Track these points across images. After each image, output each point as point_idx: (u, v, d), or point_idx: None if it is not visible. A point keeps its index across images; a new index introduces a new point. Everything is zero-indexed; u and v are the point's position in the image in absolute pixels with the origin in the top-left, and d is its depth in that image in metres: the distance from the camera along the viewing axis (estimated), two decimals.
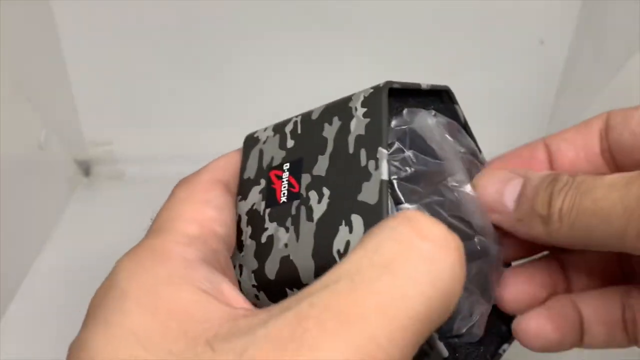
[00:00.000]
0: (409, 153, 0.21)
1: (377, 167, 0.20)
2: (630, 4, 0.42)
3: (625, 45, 0.43)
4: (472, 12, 0.47)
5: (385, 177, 0.20)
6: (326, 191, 0.21)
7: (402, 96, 0.23)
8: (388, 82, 0.22)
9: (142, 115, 0.51)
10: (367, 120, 0.21)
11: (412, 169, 0.21)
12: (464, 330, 0.22)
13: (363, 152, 0.21)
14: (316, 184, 0.22)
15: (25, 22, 0.42)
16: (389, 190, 0.20)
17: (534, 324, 0.23)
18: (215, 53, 0.49)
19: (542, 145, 0.25)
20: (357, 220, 0.20)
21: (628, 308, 0.23)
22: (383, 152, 0.20)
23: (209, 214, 0.21)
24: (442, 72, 0.49)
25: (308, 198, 0.22)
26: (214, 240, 0.21)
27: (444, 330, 0.21)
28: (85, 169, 0.52)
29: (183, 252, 0.19)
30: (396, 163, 0.21)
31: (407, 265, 0.14)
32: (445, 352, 0.20)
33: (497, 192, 0.22)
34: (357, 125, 0.21)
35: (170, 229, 0.20)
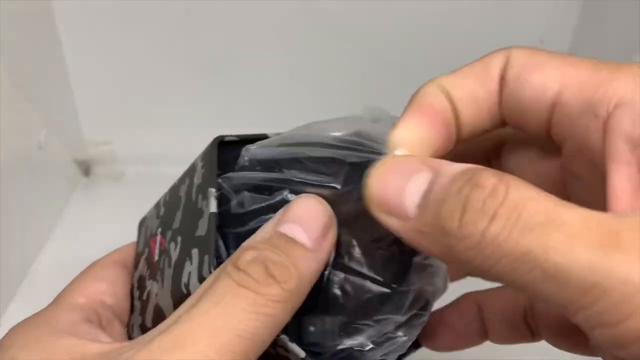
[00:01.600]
0: (239, 198, 0.23)
1: (207, 204, 0.23)
2: (630, 4, 0.42)
3: (625, 45, 0.43)
4: (472, 12, 0.47)
5: (213, 209, 0.22)
6: (179, 238, 0.25)
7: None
8: (218, 137, 0.25)
9: (142, 115, 0.51)
10: (203, 170, 0.24)
11: (247, 208, 0.23)
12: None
13: (200, 197, 0.24)
14: (174, 235, 0.25)
15: (25, 22, 0.42)
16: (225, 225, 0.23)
17: (441, 342, 0.24)
18: (216, 53, 0.49)
19: (443, 98, 0.20)
20: (195, 252, 0.23)
21: (528, 305, 0.23)
22: (211, 190, 0.23)
23: (98, 288, 0.26)
24: (442, 71, 0.49)
25: (169, 249, 0.25)
26: (100, 307, 0.25)
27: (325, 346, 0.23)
28: (85, 169, 0.52)
29: (67, 315, 0.23)
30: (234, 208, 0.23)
31: (235, 299, 0.18)
32: (301, 353, 0.22)
33: (398, 189, 0.17)
34: (197, 177, 0.25)
35: (60, 301, 0.24)
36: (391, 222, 0.18)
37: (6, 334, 0.22)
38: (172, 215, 0.26)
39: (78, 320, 0.23)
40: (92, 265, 0.27)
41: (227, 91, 0.51)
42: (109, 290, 0.26)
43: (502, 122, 0.21)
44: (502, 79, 0.20)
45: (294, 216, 0.20)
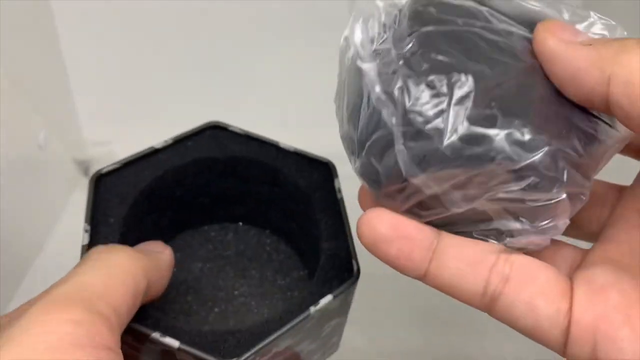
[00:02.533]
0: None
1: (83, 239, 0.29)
2: (630, 4, 0.42)
3: None
4: None
5: (84, 242, 0.30)
6: None
7: None
8: (95, 172, 0.31)
9: (142, 115, 0.51)
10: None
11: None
12: None
13: None
14: None
15: (25, 22, 0.42)
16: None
17: (375, 212, 0.21)
18: (216, 53, 0.49)
19: None
20: None
21: (495, 270, 0.20)
22: (84, 225, 0.30)
23: None
24: None
25: None
26: None
27: None
28: (85, 168, 0.52)
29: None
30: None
31: (86, 268, 0.23)
32: (175, 344, 0.25)
33: (572, 31, 0.20)
34: None
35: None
36: (549, 42, 0.20)
37: None
38: None
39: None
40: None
41: (227, 91, 0.51)
42: None
43: None
44: None
45: None
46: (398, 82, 0.19)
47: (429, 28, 0.20)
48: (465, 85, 0.19)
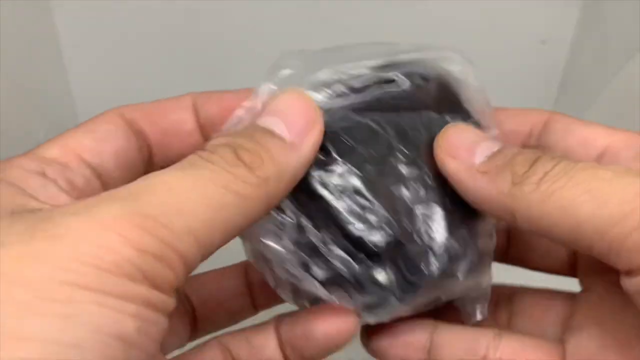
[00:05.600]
0: None
1: None
2: (631, 4, 0.41)
3: (625, 46, 0.43)
4: (473, 12, 0.47)
5: None
6: None
7: None
8: None
9: None
10: None
11: None
12: None
13: None
14: None
15: (25, 22, 0.42)
16: None
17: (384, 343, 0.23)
18: (216, 53, 0.49)
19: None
20: None
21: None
22: None
23: (81, 142, 0.22)
24: None
25: None
26: (75, 163, 0.22)
27: None
28: None
29: (23, 163, 0.20)
30: None
31: (202, 170, 0.17)
32: None
33: (472, 142, 0.20)
34: None
35: (31, 151, 0.21)
36: (450, 165, 0.20)
37: None
38: None
39: (30, 170, 0.20)
40: (95, 116, 0.24)
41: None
42: (95, 147, 0.22)
43: None
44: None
45: (275, 109, 0.20)
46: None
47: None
48: None
